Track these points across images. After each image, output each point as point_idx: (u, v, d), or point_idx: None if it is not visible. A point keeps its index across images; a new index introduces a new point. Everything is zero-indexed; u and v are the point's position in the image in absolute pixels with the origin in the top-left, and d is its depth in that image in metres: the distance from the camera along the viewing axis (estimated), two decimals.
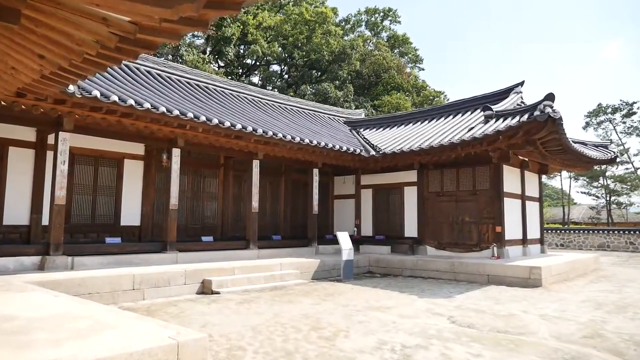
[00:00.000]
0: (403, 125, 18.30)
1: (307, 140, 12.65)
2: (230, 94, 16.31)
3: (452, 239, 14.50)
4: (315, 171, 15.04)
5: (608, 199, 40.23)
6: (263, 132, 11.51)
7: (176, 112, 9.60)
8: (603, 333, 6.55)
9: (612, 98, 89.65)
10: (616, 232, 30.53)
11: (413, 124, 17.90)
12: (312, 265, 12.41)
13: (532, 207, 15.83)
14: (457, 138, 12.93)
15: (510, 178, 14.34)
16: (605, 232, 30.77)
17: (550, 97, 11.09)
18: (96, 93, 8.35)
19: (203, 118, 10.13)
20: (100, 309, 5.12)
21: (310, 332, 6.38)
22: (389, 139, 16.44)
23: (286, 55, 39.12)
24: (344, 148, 14.07)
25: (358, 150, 14.68)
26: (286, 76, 41.91)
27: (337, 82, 38.27)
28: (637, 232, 29.60)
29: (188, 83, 14.92)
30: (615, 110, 39.31)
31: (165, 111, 9.39)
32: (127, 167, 12.06)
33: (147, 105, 9.12)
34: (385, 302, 8.92)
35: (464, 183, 14.48)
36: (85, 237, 11.04)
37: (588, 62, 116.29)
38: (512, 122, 11.76)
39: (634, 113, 38.54)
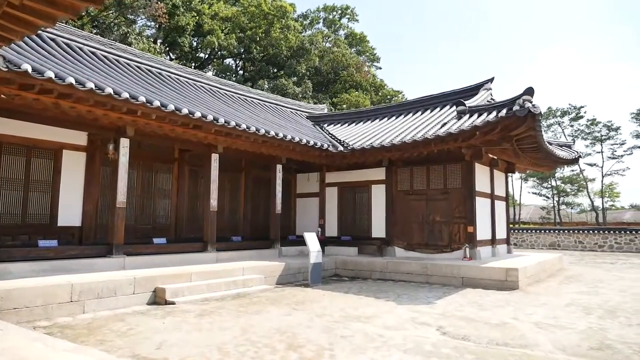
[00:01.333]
0: (369, 121, 17.60)
1: (272, 133, 11.60)
2: (187, 82, 14.95)
3: (422, 240, 13.90)
4: (279, 167, 14.00)
5: (557, 199, 41.59)
6: (225, 121, 10.36)
7: (125, 95, 8.30)
8: (610, 344, 5.97)
9: (560, 101, 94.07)
10: (566, 231, 31.41)
11: (380, 120, 17.22)
12: (276, 269, 11.40)
13: (500, 207, 15.54)
14: (431, 134, 12.31)
15: (481, 177, 13.92)
16: (556, 231, 31.62)
17: (529, 91, 10.64)
18: (27, 67, 6.96)
19: (157, 103, 8.87)
20: (23, 339, 3.90)
21: (288, 352, 5.40)
22: (355, 135, 15.65)
23: (243, 49, 37.66)
24: (311, 142, 13.12)
25: (325, 146, 13.78)
26: (241, 72, 40.44)
27: (294, 78, 37.28)
28: (586, 231, 30.52)
29: (139, 67, 13.46)
30: (564, 113, 40.66)
31: (112, 93, 8.08)
32: (67, 159, 10.54)
33: (90, 84, 7.79)
34: (363, 310, 8.07)
35: (434, 181, 13.91)
36: (14, 240, 9.46)
37: (535, 63, 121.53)
38: (489, 117, 11.24)
39: (582, 117, 40.00)
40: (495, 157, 14.62)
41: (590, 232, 29.83)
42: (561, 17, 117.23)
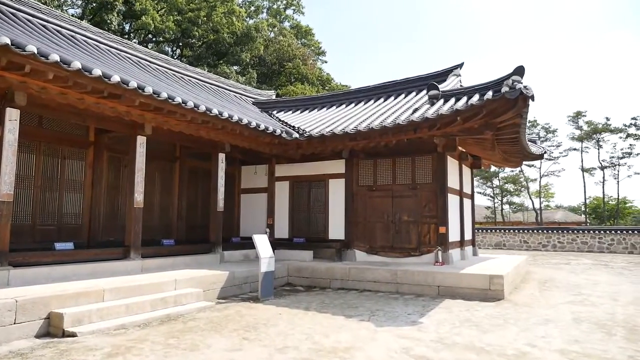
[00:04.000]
0: (325, 109, 15.71)
1: (215, 111, 9.38)
2: (108, 50, 12.27)
3: (387, 242, 12.21)
4: (222, 157, 11.78)
5: (501, 199, 42.01)
6: (154, 92, 8.03)
7: (5, 40, 5.82)
8: None
9: None
10: (511, 231, 31.38)
11: (337, 107, 15.40)
12: (218, 280, 9.23)
13: (467, 205, 14.23)
14: (403, 119, 10.62)
15: (452, 171, 12.48)
16: (502, 231, 31.52)
17: (519, 70, 9.19)
18: None
19: (55, 57, 6.42)
20: None
21: None
22: (310, 123, 13.69)
23: (181, 34, 34.52)
24: (262, 126, 11.01)
25: (278, 131, 11.71)
26: (179, 59, 37.21)
27: (237, 67, 34.76)
28: (530, 230, 30.65)
29: (44, 27, 10.68)
30: None
31: None
32: None
33: None
34: (336, 337, 6.14)
35: (401, 175, 12.28)
36: None
37: (478, 64, 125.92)
38: (472, 100, 9.70)
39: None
40: (465, 150, 13.26)
41: (535, 231, 29.95)
42: (507, 18, 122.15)
